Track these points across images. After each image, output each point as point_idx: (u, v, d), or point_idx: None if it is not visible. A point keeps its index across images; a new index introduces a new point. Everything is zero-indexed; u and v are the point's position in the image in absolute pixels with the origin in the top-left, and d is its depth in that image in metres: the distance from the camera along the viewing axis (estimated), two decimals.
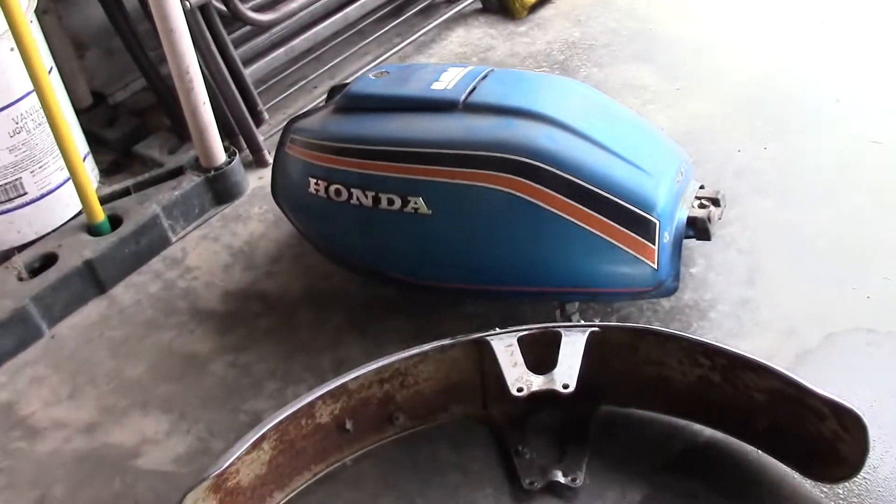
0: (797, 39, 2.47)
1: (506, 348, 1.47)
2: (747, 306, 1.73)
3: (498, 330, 1.52)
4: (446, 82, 1.73)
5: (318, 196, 1.74)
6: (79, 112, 2.37)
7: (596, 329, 1.49)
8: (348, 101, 1.78)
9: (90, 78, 2.51)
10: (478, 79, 1.73)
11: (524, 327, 1.52)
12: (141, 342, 1.86)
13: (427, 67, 1.84)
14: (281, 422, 1.44)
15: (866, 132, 2.10)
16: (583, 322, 1.61)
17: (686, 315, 1.73)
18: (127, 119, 2.43)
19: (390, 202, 1.65)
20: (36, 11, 2.16)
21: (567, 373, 1.41)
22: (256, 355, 1.78)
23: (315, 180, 1.73)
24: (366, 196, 1.67)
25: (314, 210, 1.78)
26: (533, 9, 2.76)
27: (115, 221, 2.04)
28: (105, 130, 2.37)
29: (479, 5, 2.82)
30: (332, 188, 1.70)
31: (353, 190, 1.68)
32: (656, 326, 1.67)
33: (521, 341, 1.49)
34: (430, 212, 1.64)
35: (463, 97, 1.68)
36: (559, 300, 1.69)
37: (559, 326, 1.51)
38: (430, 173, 1.63)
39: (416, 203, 1.64)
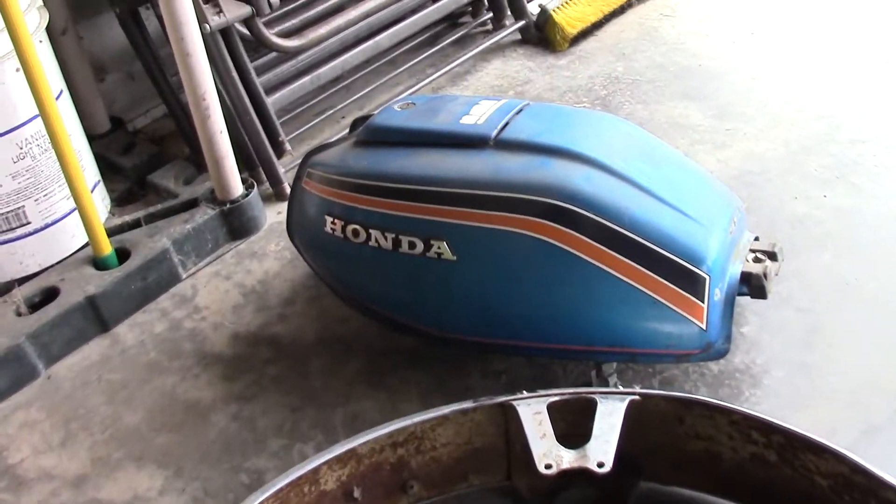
0: (861, 78, 2.30)
1: (534, 416, 1.31)
2: (805, 372, 1.56)
3: (526, 393, 1.36)
4: (477, 116, 1.59)
5: (334, 236, 1.60)
6: (95, 137, 2.28)
7: (636, 397, 1.32)
8: (370, 134, 1.64)
9: (110, 102, 2.41)
10: (511, 113, 1.59)
11: (555, 392, 1.35)
12: (141, 387, 1.73)
13: (457, 99, 1.70)
14: (281, 489, 1.28)
15: None
16: (621, 387, 1.44)
17: (736, 381, 1.56)
18: (145, 146, 2.32)
19: (411, 245, 1.51)
20: (52, 30, 2.08)
21: (603, 448, 1.24)
22: (263, 406, 1.64)
23: (332, 219, 1.60)
24: (385, 238, 1.53)
25: (330, 250, 1.64)
26: (574, 41, 2.63)
27: (122, 255, 1.92)
28: (121, 157, 2.27)
29: (518, 36, 2.69)
30: (350, 228, 1.57)
31: (371, 231, 1.54)
32: (704, 396, 1.50)
33: (552, 408, 1.32)
34: (455, 257, 1.49)
35: (494, 133, 1.54)
36: (595, 360, 1.53)
37: (594, 392, 1.34)
38: (455, 215, 1.48)
39: (439, 247, 1.49)
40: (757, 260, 1.52)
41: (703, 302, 1.42)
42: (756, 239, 1.58)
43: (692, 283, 1.41)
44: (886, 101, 2.19)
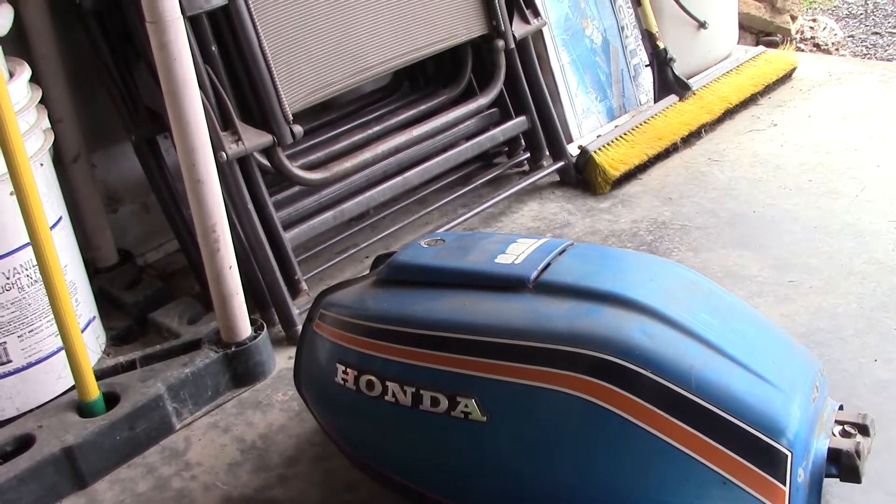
0: None
1: None
2: None
3: None
4: (514, 255, 1.40)
5: (346, 387, 1.38)
6: (100, 271, 2.13)
7: None
8: (393, 273, 1.45)
9: (121, 234, 2.27)
10: (553, 253, 1.40)
11: None
12: None
13: (492, 237, 1.52)
14: None
15: None
16: None
17: None
18: (151, 282, 2.15)
19: (434, 402, 1.28)
20: (62, 156, 1.96)
21: None
22: None
23: (344, 367, 1.38)
24: (404, 392, 1.31)
25: (340, 404, 1.42)
26: (616, 184, 2.47)
27: (111, 400, 1.71)
28: (124, 293, 2.09)
29: (556, 178, 2.54)
30: (364, 379, 1.35)
31: (388, 383, 1.33)
32: None
33: None
34: (485, 419, 1.26)
35: (534, 275, 1.34)
36: None
37: None
38: (487, 369, 1.26)
39: (467, 405, 1.27)
40: (845, 434, 1.28)
41: (784, 484, 1.17)
42: (841, 408, 1.34)
43: (771, 461, 1.17)
44: None
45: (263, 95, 1.93)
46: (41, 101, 1.78)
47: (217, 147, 1.80)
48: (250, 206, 1.93)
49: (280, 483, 1.58)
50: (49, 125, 1.81)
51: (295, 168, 2.01)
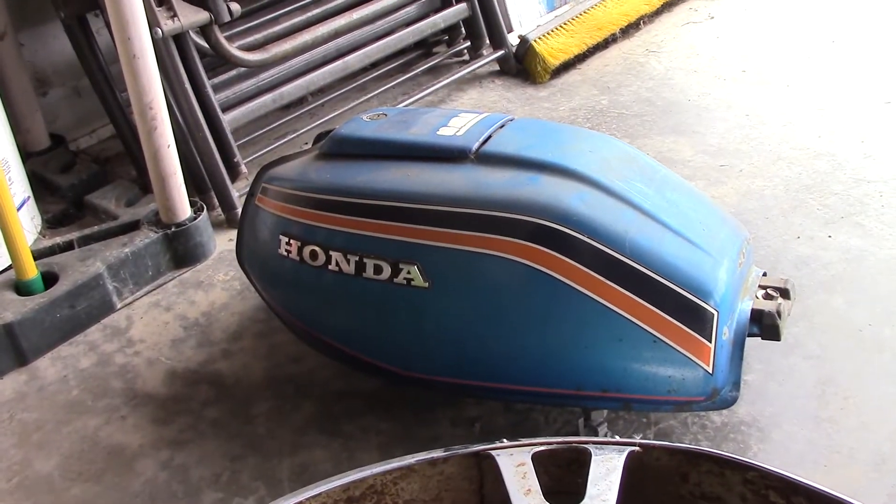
0: (862, 116, 2.16)
1: (516, 468, 1.10)
2: (820, 427, 1.37)
3: (506, 441, 1.15)
4: (456, 128, 1.41)
5: (289, 259, 1.40)
6: (31, 154, 2.08)
7: (636, 448, 1.12)
8: (335, 146, 1.46)
9: (52, 119, 2.21)
10: (494, 126, 1.42)
11: (541, 440, 1.15)
12: (59, 429, 1.50)
13: (434, 111, 1.53)
14: None
15: None
16: (617, 438, 1.25)
17: (743, 434, 1.37)
18: (86, 166, 2.11)
19: (377, 270, 1.31)
20: None
21: None
22: (198, 454, 1.42)
23: (287, 239, 1.39)
24: (347, 261, 1.33)
25: (284, 276, 1.43)
26: (556, 74, 2.48)
27: (50, 280, 1.70)
28: (58, 176, 2.05)
29: (496, 67, 2.54)
30: (307, 249, 1.37)
31: (331, 253, 1.34)
32: (711, 449, 1.30)
33: (537, 459, 1.12)
34: (427, 284, 1.29)
35: (475, 146, 1.36)
36: (583, 406, 1.33)
37: (588, 442, 1.14)
38: (429, 236, 1.29)
39: (409, 272, 1.29)
40: (768, 297, 1.35)
41: (710, 341, 1.24)
42: (765, 275, 1.40)
43: (699, 320, 1.23)
44: (890, 140, 2.05)
45: None
46: None
47: (152, 23, 1.75)
48: (187, 86, 1.89)
49: (224, 357, 1.61)
50: None
51: (233, 48, 1.97)
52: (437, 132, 1.41)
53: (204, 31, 1.91)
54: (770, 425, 1.38)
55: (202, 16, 1.86)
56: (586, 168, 1.32)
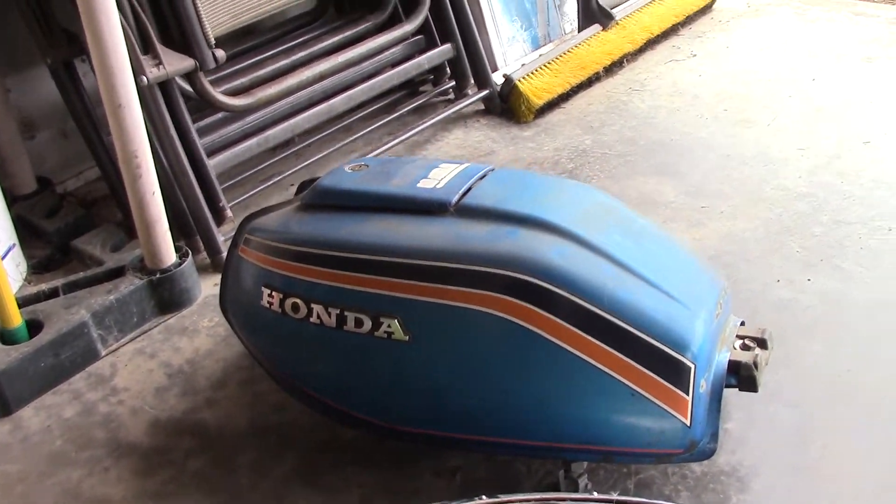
0: (842, 157, 2.19)
1: None
2: (800, 476, 1.38)
3: (485, 498, 1.16)
4: (436, 180, 1.42)
5: (271, 310, 1.40)
6: (17, 198, 2.09)
7: None
8: (317, 197, 1.47)
9: (39, 162, 2.22)
10: (474, 178, 1.43)
11: (519, 497, 1.15)
12: (41, 481, 1.49)
13: (415, 162, 1.55)
14: None
15: None
16: (595, 493, 1.26)
17: (722, 484, 1.37)
18: (72, 209, 2.12)
19: (358, 323, 1.32)
20: None
21: None
22: None
23: (269, 291, 1.40)
24: (328, 314, 1.34)
25: (267, 327, 1.44)
26: (540, 113, 2.51)
27: (34, 327, 1.70)
28: (44, 221, 2.06)
29: (481, 106, 2.57)
30: (289, 302, 1.38)
31: (313, 305, 1.35)
32: (688, 503, 1.31)
33: None
34: (407, 338, 1.30)
35: (455, 198, 1.37)
36: (564, 458, 1.34)
37: (566, 499, 1.15)
38: (409, 290, 1.30)
39: (389, 325, 1.30)
40: (745, 347, 1.36)
41: (687, 394, 1.25)
42: (742, 324, 1.42)
43: (676, 373, 1.24)
44: (869, 181, 2.08)
45: (185, 18, 1.90)
46: None
47: (137, 71, 1.77)
48: (173, 132, 1.91)
49: (208, 406, 1.61)
50: None
51: (218, 94, 1.99)
52: (418, 184, 1.42)
53: (189, 77, 1.92)
54: (750, 475, 1.38)
55: (187, 63, 1.88)
56: (565, 221, 1.33)
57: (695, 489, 1.37)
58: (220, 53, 1.94)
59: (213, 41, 1.92)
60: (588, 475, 1.35)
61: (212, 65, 1.92)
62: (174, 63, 1.87)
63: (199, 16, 1.89)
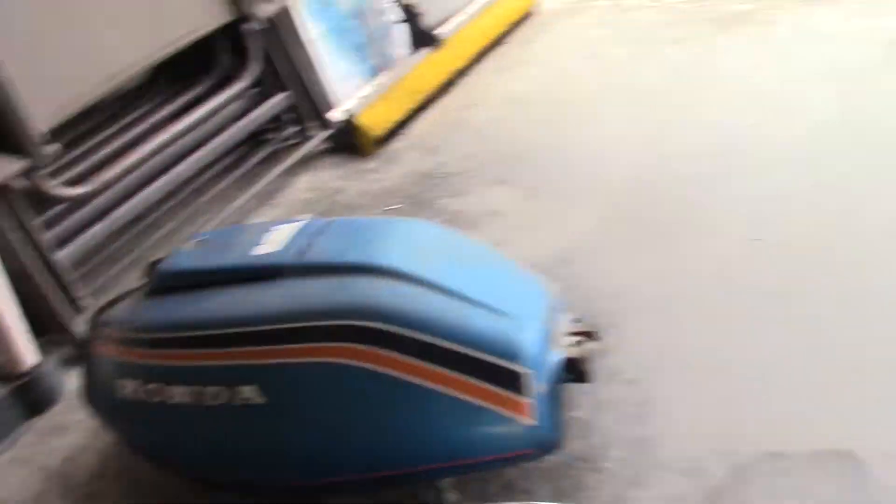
0: (662, 139, 2.35)
1: None
2: (643, 447, 1.52)
3: None
4: (272, 244, 1.50)
5: (133, 399, 1.46)
6: None
7: None
8: (161, 282, 1.53)
9: None
10: (312, 234, 1.51)
11: None
12: None
13: (251, 229, 1.62)
14: None
15: (746, 230, 1.96)
16: None
17: (577, 470, 1.50)
18: None
19: (215, 396, 1.39)
20: None
21: None
22: None
23: (127, 381, 1.46)
24: (186, 392, 1.40)
25: (131, 416, 1.50)
26: (382, 142, 2.61)
27: None
28: None
29: (327, 145, 2.65)
30: (146, 388, 1.43)
31: (171, 388, 1.41)
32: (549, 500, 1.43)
33: None
34: (264, 400, 1.38)
35: (291, 259, 1.45)
36: (431, 479, 1.44)
37: None
38: (257, 355, 1.38)
39: (245, 393, 1.38)
40: (577, 343, 1.48)
41: (526, 398, 1.36)
42: (578, 320, 1.54)
43: (512, 381, 1.35)
44: (691, 159, 2.24)
45: (11, 119, 1.90)
46: None
47: None
48: (16, 234, 1.92)
49: (88, 501, 1.64)
50: None
51: (56, 188, 2.01)
52: (255, 252, 1.49)
53: (26, 174, 1.94)
54: (599, 456, 1.51)
55: (18, 165, 1.90)
56: (393, 261, 1.43)
57: (552, 479, 1.49)
58: (54, 148, 1.95)
59: (45, 135, 1.93)
60: (457, 485, 1.45)
61: (45, 163, 1.94)
62: (5, 167, 1.88)
63: (25, 114, 1.90)
